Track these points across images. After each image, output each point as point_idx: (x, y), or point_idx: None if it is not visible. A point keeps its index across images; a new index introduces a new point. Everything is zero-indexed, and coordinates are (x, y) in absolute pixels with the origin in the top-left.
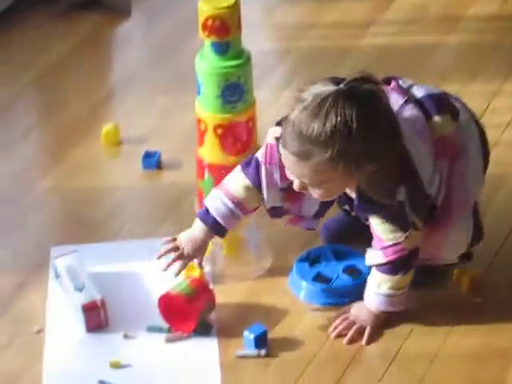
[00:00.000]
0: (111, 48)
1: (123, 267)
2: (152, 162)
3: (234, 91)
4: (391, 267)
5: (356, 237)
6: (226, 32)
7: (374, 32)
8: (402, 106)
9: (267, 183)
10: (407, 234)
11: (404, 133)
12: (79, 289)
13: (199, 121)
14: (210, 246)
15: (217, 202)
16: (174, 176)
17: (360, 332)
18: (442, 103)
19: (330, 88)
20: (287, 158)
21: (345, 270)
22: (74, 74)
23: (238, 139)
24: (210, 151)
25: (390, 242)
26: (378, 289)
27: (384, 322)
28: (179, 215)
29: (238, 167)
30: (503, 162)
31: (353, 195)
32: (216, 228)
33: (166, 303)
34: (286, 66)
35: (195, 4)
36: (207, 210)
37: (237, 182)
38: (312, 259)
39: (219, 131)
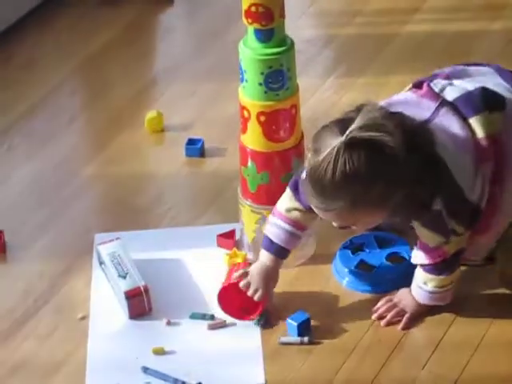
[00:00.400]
0: (155, 35)
1: (166, 254)
2: (195, 149)
3: (277, 78)
4: (435, 268)
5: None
6: (269, 19)
7: (419, 19)
8: (435, 112)
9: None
10: (448, 240)
11: (437, 139)
12: (123, 275)
13: (242, 108)
14: (253, 234)
15: (276, 229)
16: (217, 163)
17: (400, 316)
18: (478, 102)
19: (334, 141)
20: (312, 202)
21: (388, 258)
22: (117, 60)
23: (282, 126)
24: (253, 138)
25: (433, 246)
26: (423, 285)
27: (426, 312)
28: (223, 202)
29: (289, 192)
30: None
31: None
32: (282, 253)
33: (230, 293)
34: (330, 52)
35: None
36: (270, 240)
37: (290, 206)
38: (355, 247)
39: (262, 118)
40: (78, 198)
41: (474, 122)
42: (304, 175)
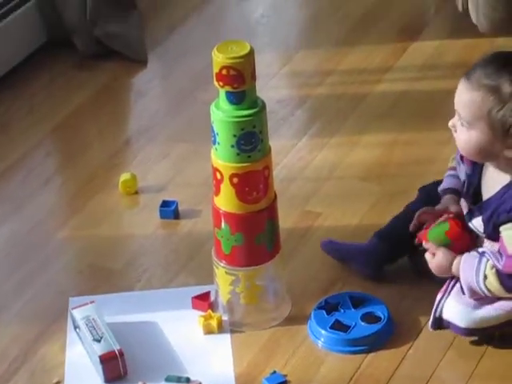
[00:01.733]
0: (128, 97)
1: (141, 317)
2: (169, 211)
3: (250, 140)
4: (503, 275)
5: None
6: (240, 82)
7: (391, 78)
8: None
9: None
10: None
11: None
12: (97, 339)
13: (215, 170)
14: (228, 296)
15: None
16: (191, 225)
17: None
18: None
19: None
20: (460, 88)
21: (363, 318)
22: (92, 123)
23: (255, 188)
24: (226, 200)
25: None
26: (480, 277)
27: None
28: (197, 264)
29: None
30: None
31: (493, 190)
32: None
33: None
34: (302, 113)
35: (210, 53)
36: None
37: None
38: (330, 307)
39: (235, 180)
40: (53, 260)
41: None
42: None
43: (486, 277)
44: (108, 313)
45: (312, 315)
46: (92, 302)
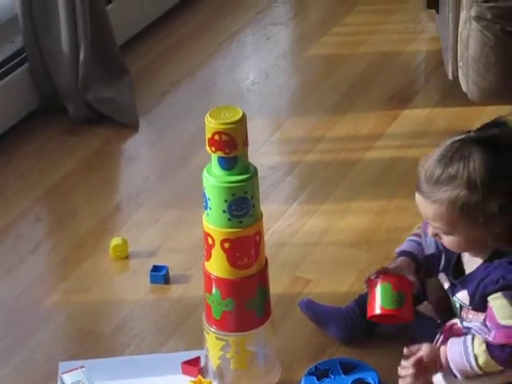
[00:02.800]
0: (119, 162)
1: (131, 382)
2: (160, 276)
3: (241, 206)
4: (497, 349)
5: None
6: (233, 147)
7: (381, 145)
8: None
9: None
10: None
11: None
12: None
13: (206, 235)
14: (218, 361)
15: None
16: (182, 290)
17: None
18: None
19: (461, 136)
20: (417, 199)
21: None
22: (82, 188)
23: (246, 253)
24: (218, 265)
25: (505, 324)
26: (471, 358)
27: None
28: (188, 330)
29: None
30: None
31: (475, 264)
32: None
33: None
34: (293, 179)
35: (203, 118)
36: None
37: None
38: (320, 373)
39: (226, 245)
40: (42, 326)
41: None
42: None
43: (476, 357)
44: (98, 378)
45: (302, 381)
46: (82, 367)
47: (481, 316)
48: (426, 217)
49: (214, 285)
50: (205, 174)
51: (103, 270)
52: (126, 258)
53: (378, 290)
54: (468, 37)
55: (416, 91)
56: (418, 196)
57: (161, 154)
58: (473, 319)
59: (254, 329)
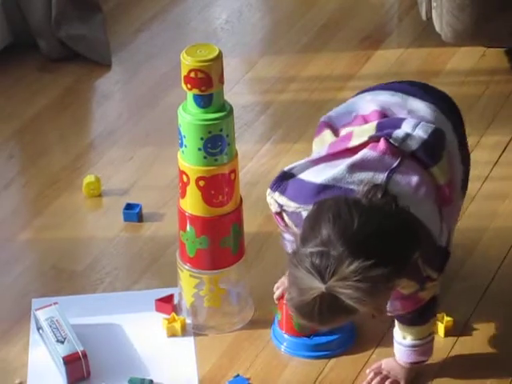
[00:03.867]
0: (92, 100)
1: (105, 319)
2: (133, 214)
3: (217, 143)
4: (412, 318)
5: None
6: (208, 84)
7: (353, 86)
8: (395, 169)
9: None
10: (423, 286)
11: (405, 196)
12: (61, 341)
13: (181, 172)
14: (191, 299)
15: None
16: (155, 228)
17: None
18: (436, 151)
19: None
20: None
21: None
22: (55, 125)
23: (221, 191)
24: (193, 203)
25: (407, 293)
26: (402, 340)
27: (417, 373)
28: (161, 267)
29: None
30: (481, 215)
31: None
32: None
33: None
34: (266, 118)
35: (176, 56)
36: None
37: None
38: None
39: (201, 183)
40: (15, 262)
41: (436, 170)
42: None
43: (404, 337)
44: (71, 314)
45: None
46: (55, 304)
47: None
48: None
49: (188, 222)
50: (180, 111)
51: (76, 208)
52: (100, 195)
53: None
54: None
55: (389, 32)
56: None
57: (134, 91)
58: None
59: (228, 267)
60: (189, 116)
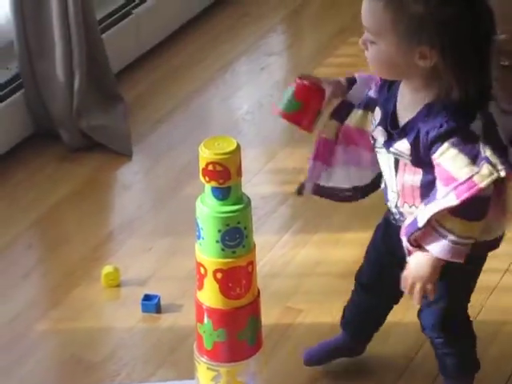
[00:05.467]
0: (112, 190)
1: None
2: (151, 305)
3: (234, 236)
4: (465, 209)
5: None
6: (226, 177)
7: None
8: None
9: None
10: (481, 168)
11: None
12: None
13: (199, 265)
14: None
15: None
16: (173, 319)
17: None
18: None
19: None
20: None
21: None
22: (75, 215)
23: (238, 283)
24: (210, 295)
25: (463, 178)
26: (447, 233)
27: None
28: (178, 360)
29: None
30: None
31: (410, 113)
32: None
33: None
34: (285, 209)
35: (196, 147)
36: None
37: None
38: None
39: (219, 275)
40: (32, 353)
41: None
42: None
43: (452, 229)
44: None
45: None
46: None
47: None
48: (364, 17)
49: (205, 315)
50: (198, 203)
51: (94, 298)
52: (118, 286)
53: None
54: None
55: None
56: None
57: (154, 182)
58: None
59: (245, 359)
60: (206, 208)
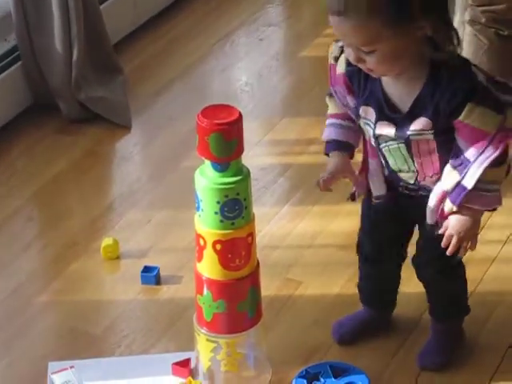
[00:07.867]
0: (112, 162)
1: (121, 383)
2: (151, 277)
3: (233, 207)
4: (503, 156)
5: (369, 336)
6: None
7: None
8: None
9: (341, 104)
10: (507, 113)
11: None
12: None
13: (198, 236)
14: (208, 363)
15: (327, 128)
16: (172, 291)
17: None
18: None
19: None
20: (332, 23)
21: None
22: (74, 187)
23: (237, 255)
24: (209, 266)
25: (495, 129)
26: (490, 186)
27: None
28: (178, 331)
29: (327, 99)
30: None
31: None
32: (342, 147)
33: None
34: (285, 181)
35: (195, 119)
36: (327, 142)
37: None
38: (310, 376)
39: (218, 247)
40: (32, 325)
41: None
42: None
43: (494, 181)
44: (88, 378)
45: None
46: (72, 367)
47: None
48: (345, 37)
49: (205, 286)
50: (197, 175)
51: (94, 270)
52: (117, 258)
53: None
54: (462, 40)
55: None
56: (334, 20)
57: (153, 154)
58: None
59: (245, 331)
60: (205, 180)
